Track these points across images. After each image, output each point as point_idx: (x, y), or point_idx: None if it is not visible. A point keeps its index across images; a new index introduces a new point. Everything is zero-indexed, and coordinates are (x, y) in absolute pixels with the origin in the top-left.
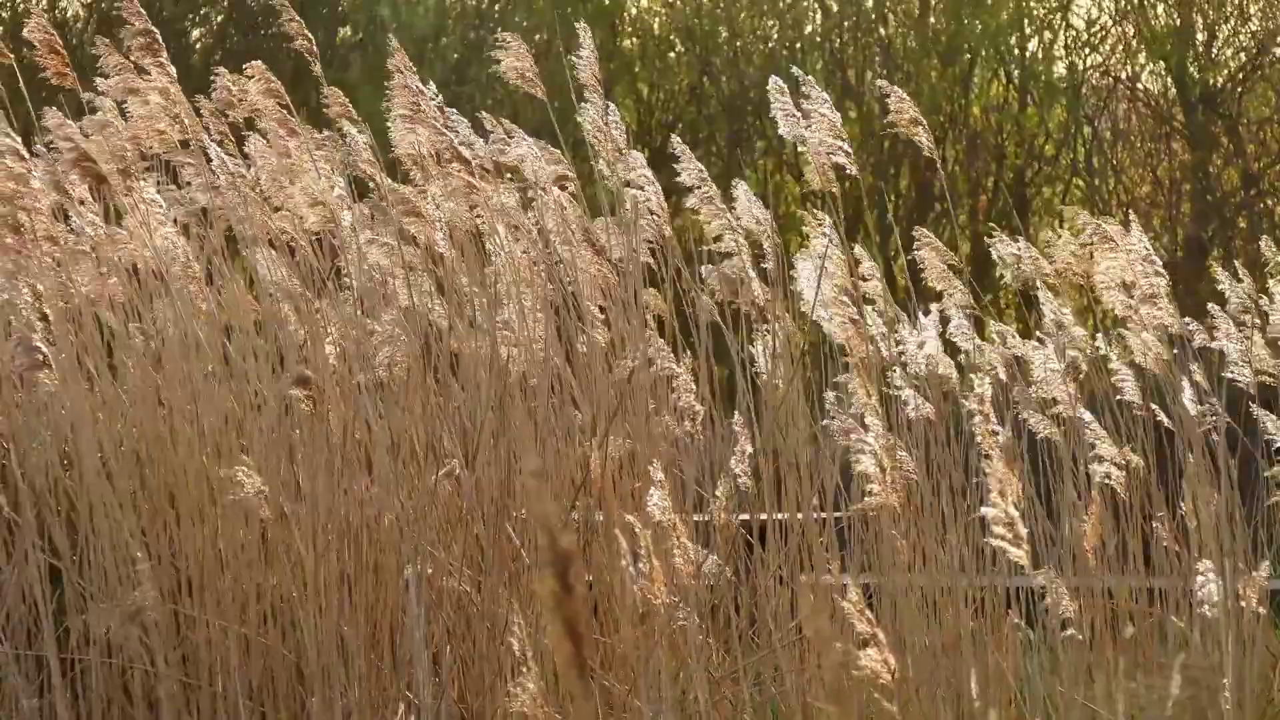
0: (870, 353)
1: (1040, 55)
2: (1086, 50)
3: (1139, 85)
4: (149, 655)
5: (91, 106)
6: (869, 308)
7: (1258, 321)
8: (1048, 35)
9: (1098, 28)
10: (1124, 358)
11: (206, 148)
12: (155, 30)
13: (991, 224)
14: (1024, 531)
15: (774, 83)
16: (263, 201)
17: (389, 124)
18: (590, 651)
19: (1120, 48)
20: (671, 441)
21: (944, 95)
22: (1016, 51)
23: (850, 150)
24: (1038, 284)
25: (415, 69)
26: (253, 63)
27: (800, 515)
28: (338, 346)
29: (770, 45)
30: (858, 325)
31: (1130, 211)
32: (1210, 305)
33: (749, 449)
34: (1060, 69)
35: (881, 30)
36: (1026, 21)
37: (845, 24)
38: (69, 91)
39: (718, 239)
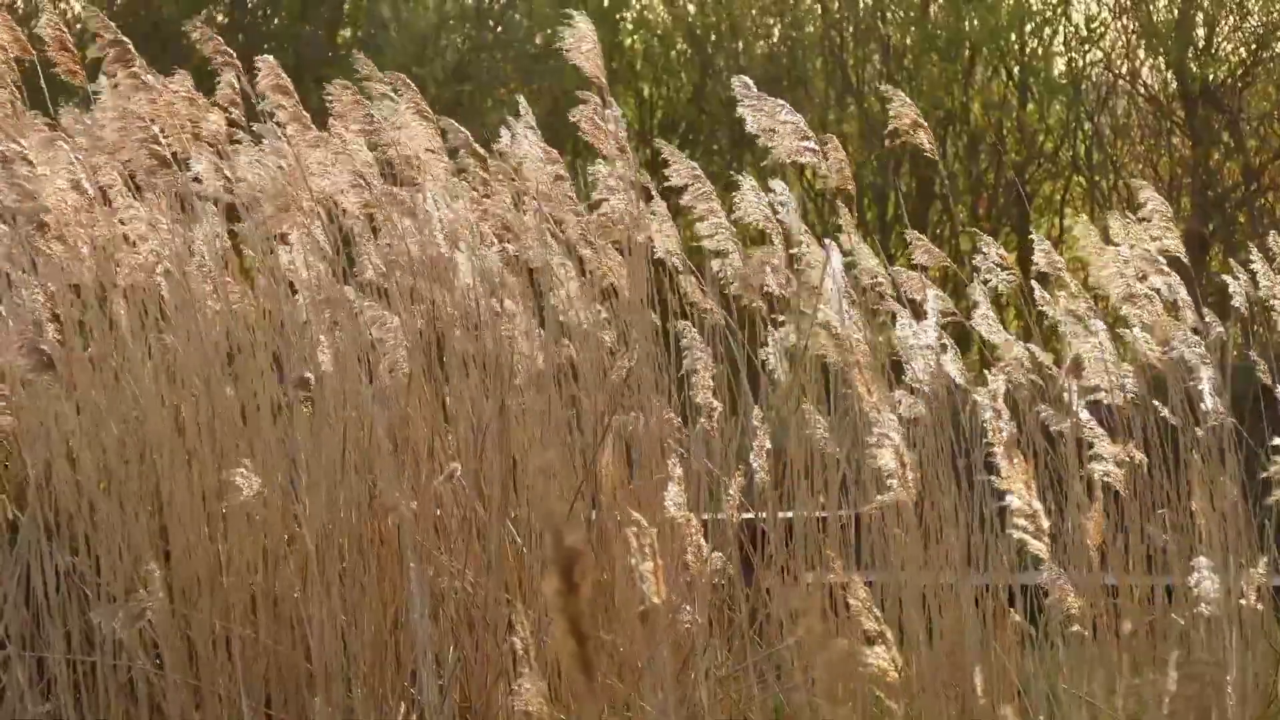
0: (869, 350)
1: (1040, 52)
2: (1086, 46)
3: (1139, 81)
4: (154, 657)
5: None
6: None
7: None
8: (1048, 32)
9: (1097, 24)
10: (1126, 356)
11: (223, 142)
12: (126, 40)
13: (973, 230)
14: (1046, 524)
15: (737, 82)
16: (289, 188)
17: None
18: (595, 650)
19: (1120, 43)
20: (678, 440)
21: (944, 92)
22: (1016, 48)
23: (815, 149)
24: (1045, 279)
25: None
26: (264, 57)
27: (805, 513)
28: (342, 346)
29: (771, 44)
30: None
31: (1136, 202)
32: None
33: (768, 444)
34: (1060, 65)
35: (881, 28)
36: (1026, 18)
37: (845, 22)
38: (79, 88)
39: (711, 236)
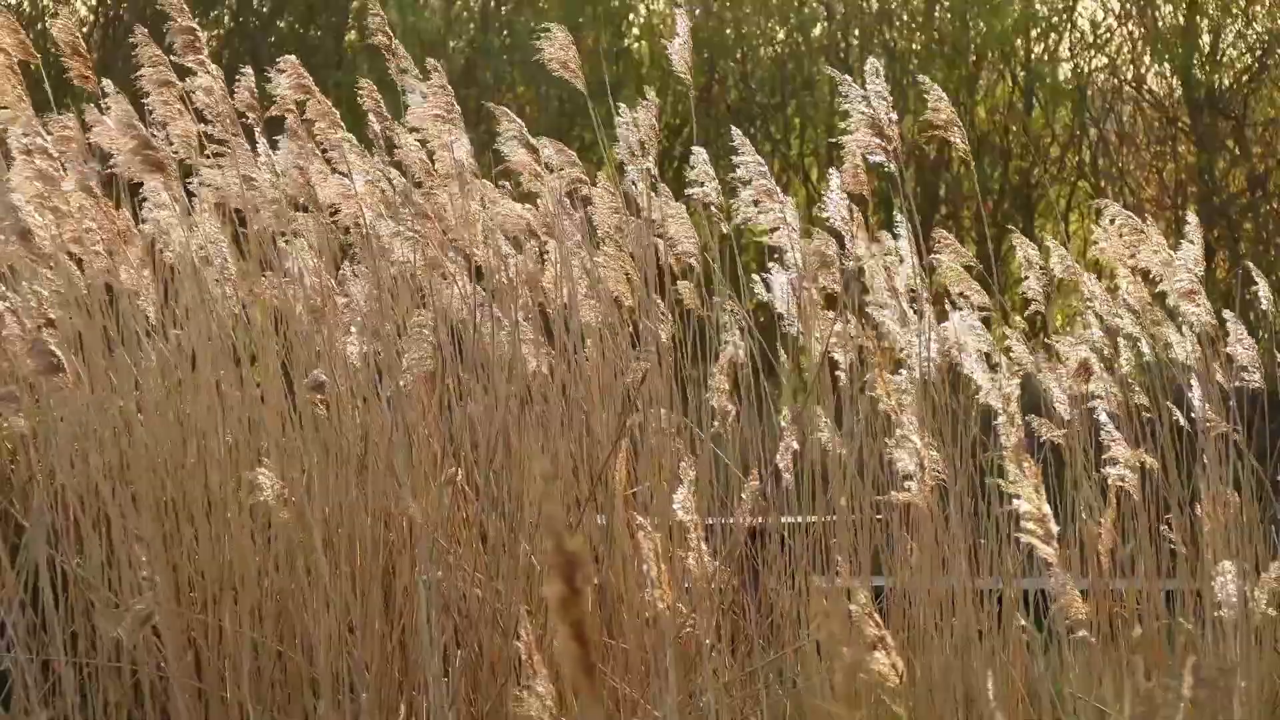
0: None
1: (1046, 57)
2: (1092, 52)
3: (1145, 87)
4: (159, 660)
5: (105, 106)
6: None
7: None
8: (1053, 37)
9: (1103, 29)
10: (1138, 359)
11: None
12: (196, 27)
13: (1010, 228)
14: (1055, 528)
15: (870, 64)
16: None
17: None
18: (598, 654)
19: (1126, 49)
20: (688, 444)
21: (949, 97)
22: (1022, 53)
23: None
24: (1077, 273)
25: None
26: (286, 58)
27: (815, 517)
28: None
29: (777, 48)
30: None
31: (1146, 215)
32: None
33: (795, 445)
34: (1066, 71)
35: (887, 33)
36: (1032, 23)
37: (851, 26)
38: (89, 92)
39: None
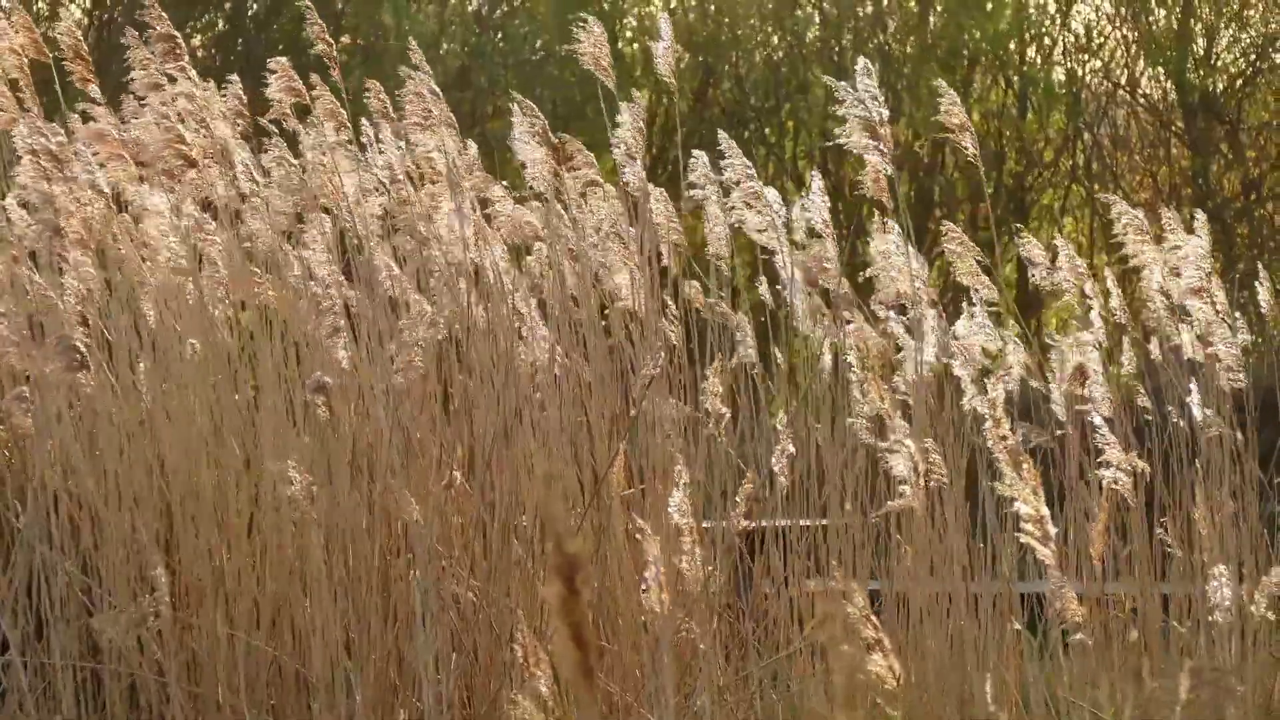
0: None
1: (1040, 61)
2: (1086, 56)
3: (1138, 91)
4: (156, 663)
5: (88, 115)
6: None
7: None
8: (1047, 41)
9: (1097, 33)
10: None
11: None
12: (177, 35)
13: (1019, 225)
14: (1053, 530)
15: (861, 64)
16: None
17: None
18: (596, 657)
19: (1120, 53)
20: (682, 448)
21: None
22: (1016, 57)
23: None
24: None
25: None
26: (278, 58)
27: (805, 522)
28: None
29: (771, 52)
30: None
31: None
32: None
33: (790, 449)
34: (1060, 75)
35: (881, 37)
36: (1026, 27)
37: (844, 30)
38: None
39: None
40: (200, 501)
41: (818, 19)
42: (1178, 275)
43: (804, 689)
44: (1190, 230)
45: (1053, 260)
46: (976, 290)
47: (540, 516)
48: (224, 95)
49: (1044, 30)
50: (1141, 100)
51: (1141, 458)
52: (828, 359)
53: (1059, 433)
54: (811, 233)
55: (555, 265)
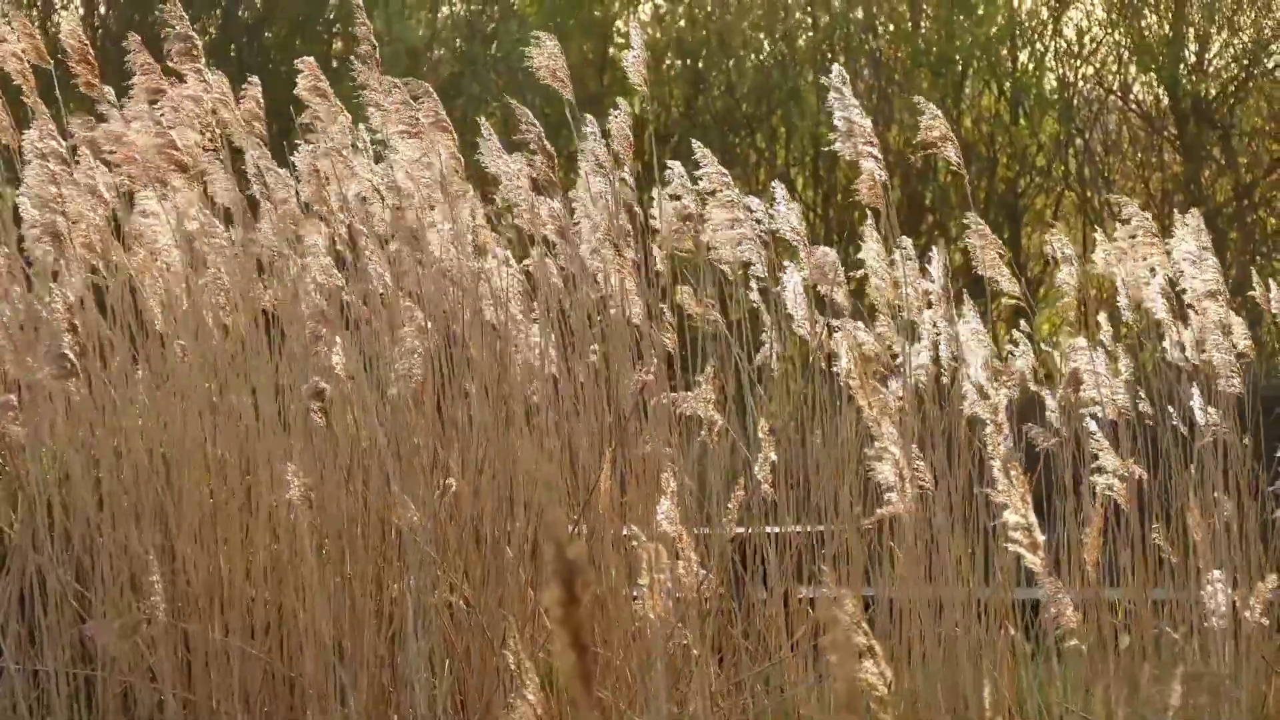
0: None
1: (1031, 66)
2: (1078, 61)
3: (1131, 96)
4: (149, 669)
5: (102, 115)
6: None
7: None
8: (1039, 46)
9: (1089, 38)
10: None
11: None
12: (194, 36)
13: (1049, 222)
14: (1041, 539)
15: (837, 71)
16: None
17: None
18: (593, 663)
19: (1112, 58)
20: (672, 456)
21: (935, 107)
22: (1008, 63)
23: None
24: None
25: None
26: (305, 59)
27: (799, 528)
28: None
29: (762, 58)
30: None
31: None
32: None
33: (773, 456)
34: (1052, 80)
35: (872, 42)
36: (1018, 32)
37: (836, 36)
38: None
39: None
40: (195, 508)
41: (809, 24)
42: (1173, 283)
43: (796, 694)
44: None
45: (1057, 264)
46: (996, 282)
47: (539, 522)
48: (242, 97)
49: (1036, 35)
50: (1134, 106)
51: (1138, 462)
52: (821, 363)
53: (1055, 439)
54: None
55: (546, 272)
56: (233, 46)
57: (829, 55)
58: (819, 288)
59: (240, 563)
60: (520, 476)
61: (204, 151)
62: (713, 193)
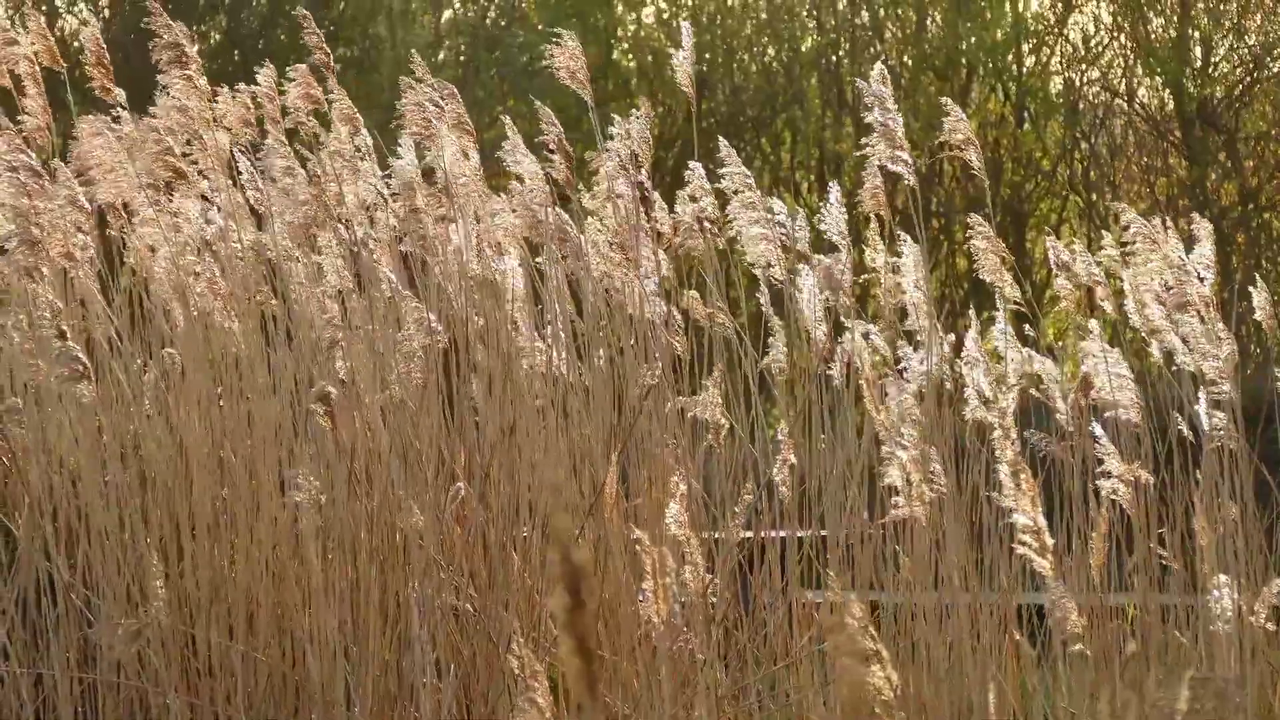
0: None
1: (1037, 71)
2: (1083, 65)
3: (1136, 100)
4: (154, 673)
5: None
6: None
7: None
8: (1044, 50)
9: (1095, 43)
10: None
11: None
12: (184, 43)
13: (1052, 226)
14: (1050, 542)
15: (878, 70)
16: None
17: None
18: (600, 667)
19: (1117, 63)
20: (679, 459)
21: (940, 111)
22: (1013, 67)
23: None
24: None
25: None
26: (298, 65)
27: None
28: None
29: (767, 61)
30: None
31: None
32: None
33: (792, 459)
34: (1057, 84)
35: (878, 46)
36: (1023, 37)
37: (841, 40)
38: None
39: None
40: (203, 511)
41: (814, 28)
42: (1168, 287)
43: (802, 699)
44: (1189, 239)
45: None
46: (998, 288)
47: (546, 527)
48: (236, 100)
49: (1041, 40)
50: (1139, 110)
51: (1144, 467)
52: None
53: (1064, 442)
54: (825, 243)
55: (558, 276)
56: (236, 52)
57: (834, 59)
58: (824, 293)
59: (246, 566)
60: (527, 480)
61: (204, 156)
62: (736, 192)
